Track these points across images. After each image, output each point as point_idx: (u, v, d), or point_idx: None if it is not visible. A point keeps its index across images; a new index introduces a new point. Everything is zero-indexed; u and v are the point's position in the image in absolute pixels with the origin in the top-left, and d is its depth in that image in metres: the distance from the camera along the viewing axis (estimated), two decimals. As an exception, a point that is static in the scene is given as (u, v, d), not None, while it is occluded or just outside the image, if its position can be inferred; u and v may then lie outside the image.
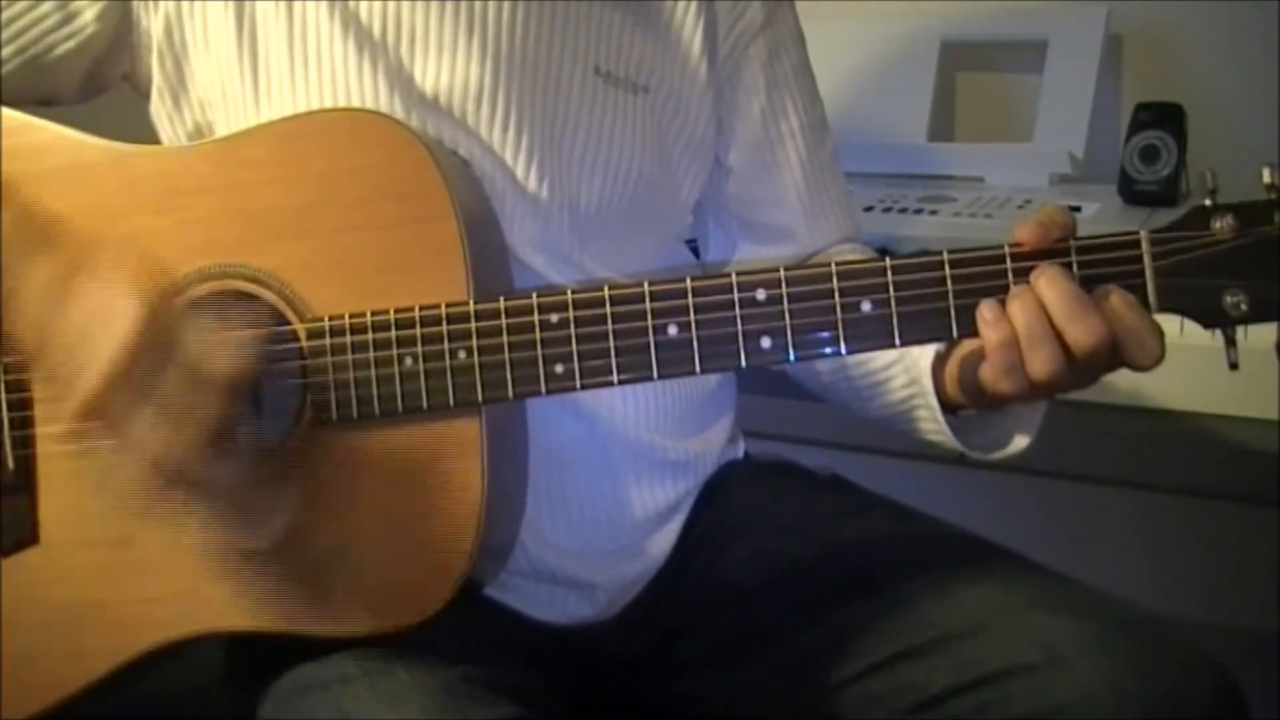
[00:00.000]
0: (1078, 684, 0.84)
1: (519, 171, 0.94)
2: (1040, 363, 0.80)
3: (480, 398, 0.85)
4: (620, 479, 1.00)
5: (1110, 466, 1.59)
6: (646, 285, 0.84)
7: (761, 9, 1.04)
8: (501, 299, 0.85)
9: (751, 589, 1.01)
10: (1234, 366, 0.82)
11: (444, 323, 0.85)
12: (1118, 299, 0.80)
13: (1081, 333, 0.79)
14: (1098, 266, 0.81)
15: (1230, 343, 0.82)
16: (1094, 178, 1.50)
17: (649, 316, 0.84)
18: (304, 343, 0.86)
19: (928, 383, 0.94)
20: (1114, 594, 0.92)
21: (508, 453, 0.90)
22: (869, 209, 1.42)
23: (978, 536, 1.00)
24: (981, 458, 0.95)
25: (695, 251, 1.12)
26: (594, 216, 0.97)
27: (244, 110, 0.93)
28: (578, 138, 0.96)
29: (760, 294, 0.84)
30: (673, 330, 0.84)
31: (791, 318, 0.83)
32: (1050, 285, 0.80)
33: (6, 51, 0.93)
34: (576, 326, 0.85)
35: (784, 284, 0.83)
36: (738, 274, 0.84)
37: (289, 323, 0.86)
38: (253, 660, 0.91)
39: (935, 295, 0.82)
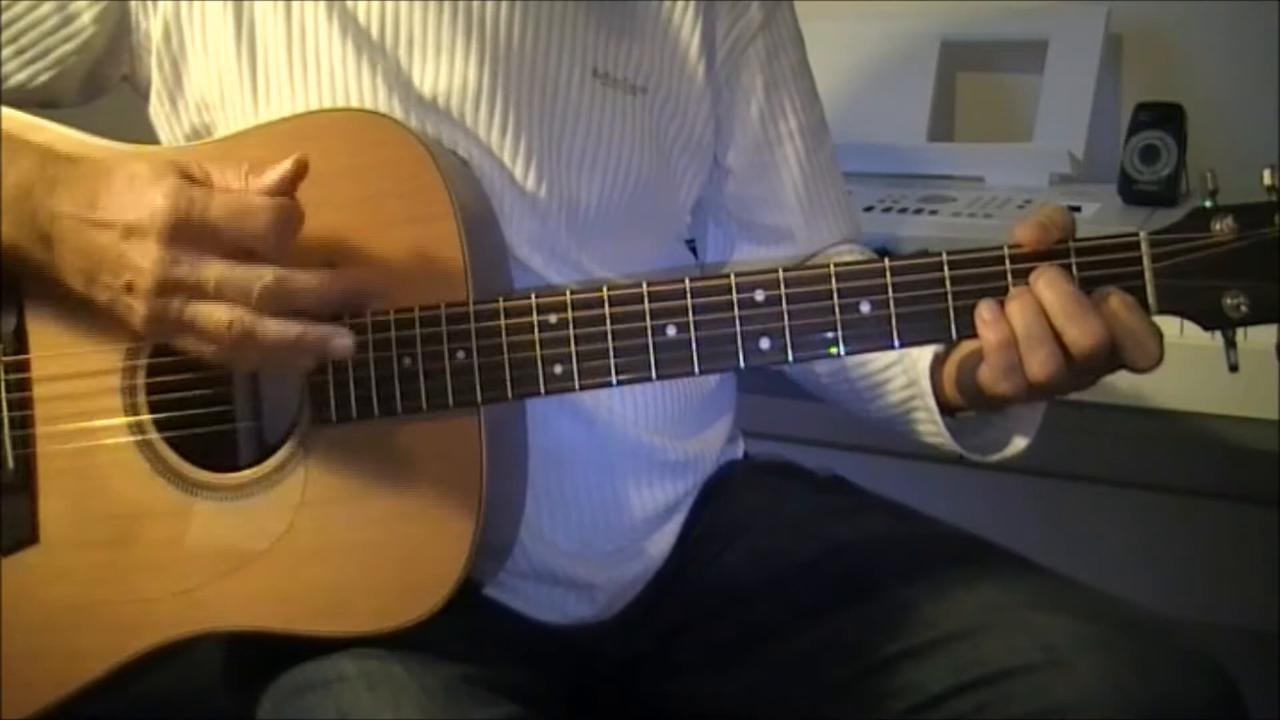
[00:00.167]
0: (1078, 684, 0.84)
1: (517, 172, 0.94)
2: (1039, 364, 0.80)
3: (479, 398, 0.85)
4: (619, 479, 1.00)
5: (1110, 466, 1.60)
6: (645, 286, 0.84)
7: (760, 9, 1.04)
8: (500, 299, 0.85)
9: (751, 589, 1.01)
10: (1234, 369, 0.82)
11: (443, 323, 0.85)
12: (1117, 300, 0.80)
13: (1080, 334, 0.79)
14: (1097, 268, 0.81)
15: (1230, 344, 0.82)
16: (1094, 178, 1.50)
17: (648, 317, 0.84)
18: (304, 343, 0.86)
19: (926, 384, 0.94)
20: (1114, 594, 0.92)
21: (507, 453, 0.90)
22: (869, 209, 1.42)
23: (977, 537, 1.00)
24: (980, 459, 0.95)
25: (694, 252, 1.12)
26: (593, 217, 0.97)
27: (243, 111, 0.93)
28: (576, 138, 0.96)
29: (759, 295, 0.84)
30: (671, 331, 0.84)
31: (790, 319, 0.83)
32: (1049, 286, 0.80)
33: (6, 53, 0.93)
34: (575, 327, 0.85)
35: (783, 285, 0.83)
36: (736, 275, 0.84)
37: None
38: (252, 660, 0.91)
39: (934, 296, 0.82)
